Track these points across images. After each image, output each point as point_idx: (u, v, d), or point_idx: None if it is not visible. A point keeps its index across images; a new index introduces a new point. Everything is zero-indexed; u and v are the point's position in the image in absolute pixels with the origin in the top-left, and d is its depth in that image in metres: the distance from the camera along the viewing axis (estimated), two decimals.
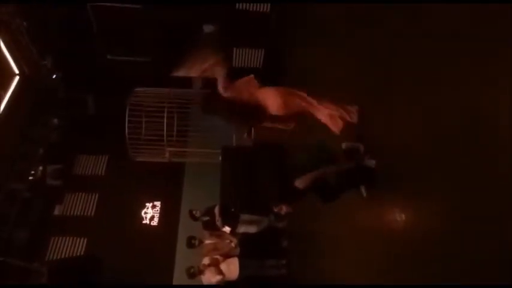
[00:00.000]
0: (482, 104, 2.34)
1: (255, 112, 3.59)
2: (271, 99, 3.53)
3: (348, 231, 4.03)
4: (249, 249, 5.85)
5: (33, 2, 6.65)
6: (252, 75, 3.70)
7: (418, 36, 3.03)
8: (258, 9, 7.01)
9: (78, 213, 7.69)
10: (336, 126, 3.51)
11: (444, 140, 2.64)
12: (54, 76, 7.26)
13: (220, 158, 6.49)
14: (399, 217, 3.13)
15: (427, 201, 2.80)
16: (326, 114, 3.51)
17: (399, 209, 3.15)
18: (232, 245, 5.96)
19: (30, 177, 7.20)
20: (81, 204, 7.72)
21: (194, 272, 5.57)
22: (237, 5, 6.92)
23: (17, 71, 6.87)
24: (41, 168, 7.34)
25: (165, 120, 6.75)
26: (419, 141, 2.94)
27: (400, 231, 3.11)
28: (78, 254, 7.26)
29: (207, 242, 6.11)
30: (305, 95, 3.55)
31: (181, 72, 8.25)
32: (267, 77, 7.38)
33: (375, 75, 3.70)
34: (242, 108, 3.57)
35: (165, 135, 6.78)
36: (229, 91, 3.60)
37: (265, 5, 6.99)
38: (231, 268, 5.74)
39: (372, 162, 3.54)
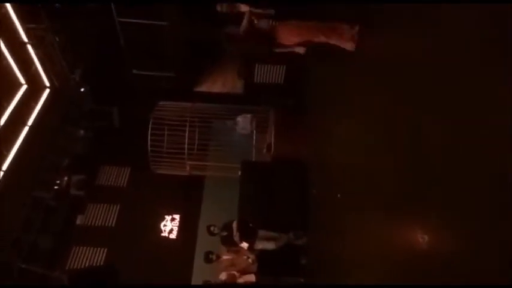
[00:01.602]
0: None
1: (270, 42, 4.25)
2: (285, 34, 4.21)
3: (369, 251, 3.93)
4: (267, 266, 5.78)
5: (66, 19, 6.97)
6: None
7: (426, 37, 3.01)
8: None
9: (100, 223, 7.83)
10: (347, 44, 4.08)
11: (473, 155, 2.56)
12: (82, 89, 7.53)
13: (239, 173, 6.52)
14: (422, 238, 3.04)
15: (452, 221, 2.71)
16: (335, 38, 4.11)
17: (422, 229, 3.06)
18: (250, 261, 5.91)
19: (55, 187, 7.40)
20: (103, 215, 7.87)
21: (211, 286, 5.56)
22: None
23: (47, 84, 7.15)
24: (66, 178, 7.54)
25: (186, 134, 6.86)
26: (442, 157, 2.87)
27: (423, 252, 3.02)
28: (98, 263, 7.37)
29: (225, 257, 6.08)
30: (315, 30, 4.15)
31: (203, 87, 8.46)
32: (288, 92, 7.42)
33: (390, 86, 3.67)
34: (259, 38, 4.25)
35: (186, 148, 6.88)
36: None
37: None
38: (248, 285, 5.69)
39: None
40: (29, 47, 6.68)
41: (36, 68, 6.90)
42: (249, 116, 6.96)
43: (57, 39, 6.80)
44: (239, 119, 6.98)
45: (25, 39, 6.57)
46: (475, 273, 2.42)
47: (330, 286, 4.43)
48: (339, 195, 4.88)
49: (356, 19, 4.27)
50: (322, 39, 4.21)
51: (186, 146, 6.88)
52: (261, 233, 5.83)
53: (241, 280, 5.77)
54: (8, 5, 6.18)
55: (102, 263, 7.36)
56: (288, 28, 4.34)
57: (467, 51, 2.66)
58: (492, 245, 2.32)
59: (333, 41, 4.20)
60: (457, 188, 2.68)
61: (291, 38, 4.32)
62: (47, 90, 7.17)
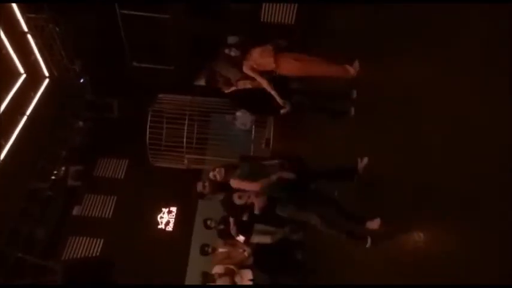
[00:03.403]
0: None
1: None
2: (287, 69, 4.23)
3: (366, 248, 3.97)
4: (262, 260, 5.83)
5: (67, 9, 6.94)
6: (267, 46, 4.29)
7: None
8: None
9: (96, 214, 7.84)
10: (346, 73, 4.19)
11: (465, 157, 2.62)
12: (81, 80, 7.50)
13: None
14: (418, 237, 3.09)
15: (447, 220, 2.77)
16: (334, 69, 4.23)
17: (418, 228, 3.10)
18: (246, 254, 5.94)
19: (53, 177, 7.40)
20: (99, 206, 7.88)
21: (208, 277, 5.61)
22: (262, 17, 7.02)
23: (47, 74, 7.13)
24: (63, 168, 7.53)
25: (185, 128, 6.87)
26: (440, 160, 2.92)
27: (420, 251, 3.06)
28: (94, 254, 7.39)
29: (221, 250, 6.11)
30: (314, 60, 4.22)
31: (203, 81, 8.43)
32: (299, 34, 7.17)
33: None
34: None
35: (184, 142, 6.89)
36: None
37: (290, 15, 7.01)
38: (244, 280, 5.72)
39: None
40: (29, 36, 6.66)
41: (35, 58, 6.87)
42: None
43: (57, 29, 6.76)
44: (238, 113, 6.99)
45: (25, 28, 6.54)
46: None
47: (330, 286, 4.46)
48: (336, 193, 4.92)
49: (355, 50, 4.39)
50: (321, 71, 4.30)
51: (184, 139, 6.89)
52: (258, 227, 5.87)
53: (237, 274, 5.81)
54: None
55: (98, 254, 7.38)
56: (288, 63, 4.33)
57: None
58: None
59: (333, 73, 4.31)
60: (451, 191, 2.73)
61: (292, 72, 4.38)
62: (47, 80, 7.15)
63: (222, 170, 3.93)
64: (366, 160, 3.88)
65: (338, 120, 4.90)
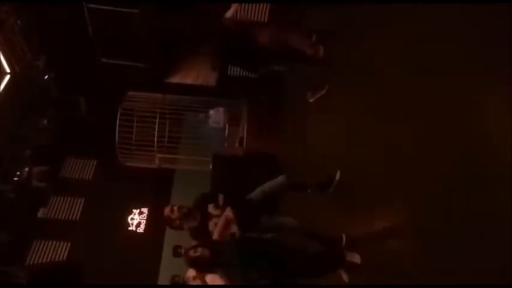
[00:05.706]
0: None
1: None
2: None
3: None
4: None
5: (30, 2, 6.61)
6: None
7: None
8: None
9: (63, 217, 7.54)
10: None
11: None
12: (46, 77, 7.18)
13: (210, 166, 6.44)
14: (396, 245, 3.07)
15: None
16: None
17: (399, 229, 3.08)
18: None
19: (15, 178, 7.04)
20: (66, 208, 7.58)
21: (178, 282, 5.45)
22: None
23: (8, 70, 6.77)
24: (27, 169, 7.18)
25: (156, 126, 6.71)
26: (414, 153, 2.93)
27: (399, 250, 3.05)
28: (60, 258, 7.10)
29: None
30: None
31: (175, 79, 8.25)
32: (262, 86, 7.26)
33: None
34: None
35: (155, 141, 6.73)
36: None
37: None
38: (217, 281, 5.62)
39: None
40: None
41: None
42: (221, 109, 6.88)
43: (19, 22, 6.43)
44: (211, 112, 6.88)
45: None
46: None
47: (329, 286, 4.43)
48: (309, 191, 4.89)
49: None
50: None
51: (155, 138, 6.73)
52: None
53: (209, 277, 5.70)
54: None
55: (64, 258, 7.10)
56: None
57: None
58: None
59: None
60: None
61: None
62: (8, 76, 6.80)
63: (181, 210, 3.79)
64: (338, 175, 3.87)
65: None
